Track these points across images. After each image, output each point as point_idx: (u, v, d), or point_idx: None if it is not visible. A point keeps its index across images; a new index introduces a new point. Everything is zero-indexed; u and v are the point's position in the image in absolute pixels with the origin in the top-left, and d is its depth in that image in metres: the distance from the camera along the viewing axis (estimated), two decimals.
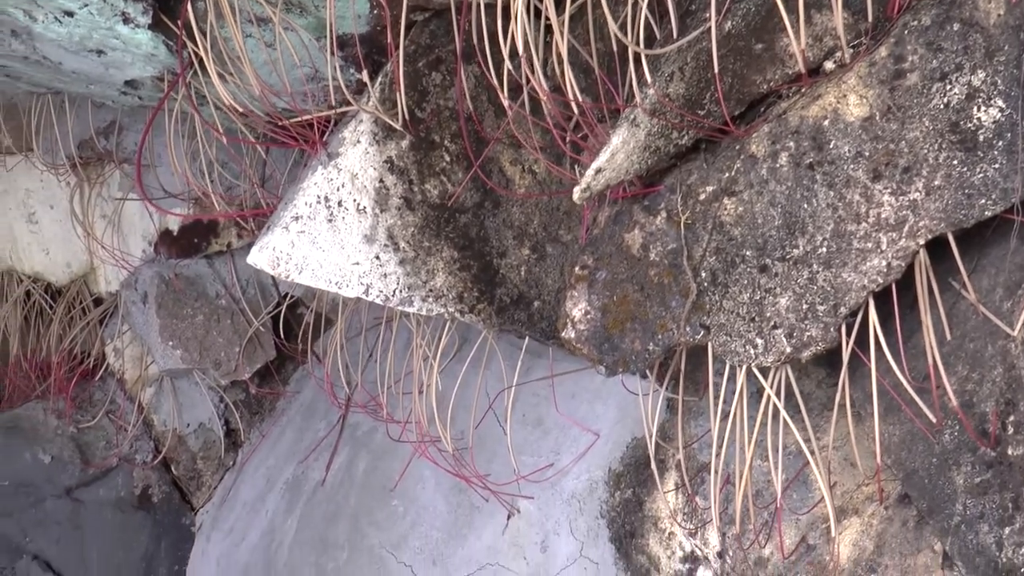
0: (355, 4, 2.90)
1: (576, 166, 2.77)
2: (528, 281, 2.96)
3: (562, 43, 2.39)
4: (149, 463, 4.81)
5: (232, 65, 2.99)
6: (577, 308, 2.54)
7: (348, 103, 2.89)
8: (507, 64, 2.56)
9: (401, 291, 2.88)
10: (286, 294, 4.75)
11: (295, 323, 4.80)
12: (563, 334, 2.56)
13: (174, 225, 4.68)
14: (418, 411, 3.44)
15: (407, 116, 2.87)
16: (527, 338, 3.08)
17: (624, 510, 2.99)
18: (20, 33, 3.07)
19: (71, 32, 2.99)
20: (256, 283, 4.78)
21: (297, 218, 2.85)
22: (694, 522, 2.72)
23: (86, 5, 2.85)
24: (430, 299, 2.90)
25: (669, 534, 2.82)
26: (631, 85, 2.47)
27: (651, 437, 2.75)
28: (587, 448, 3.18)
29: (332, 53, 2.89)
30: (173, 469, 4.86)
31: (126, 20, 2.92)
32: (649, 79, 2.30)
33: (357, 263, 2.86)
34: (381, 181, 2.88)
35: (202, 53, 2.89)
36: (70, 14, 2.90)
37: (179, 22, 2.93)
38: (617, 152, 2.34)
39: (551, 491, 3.21)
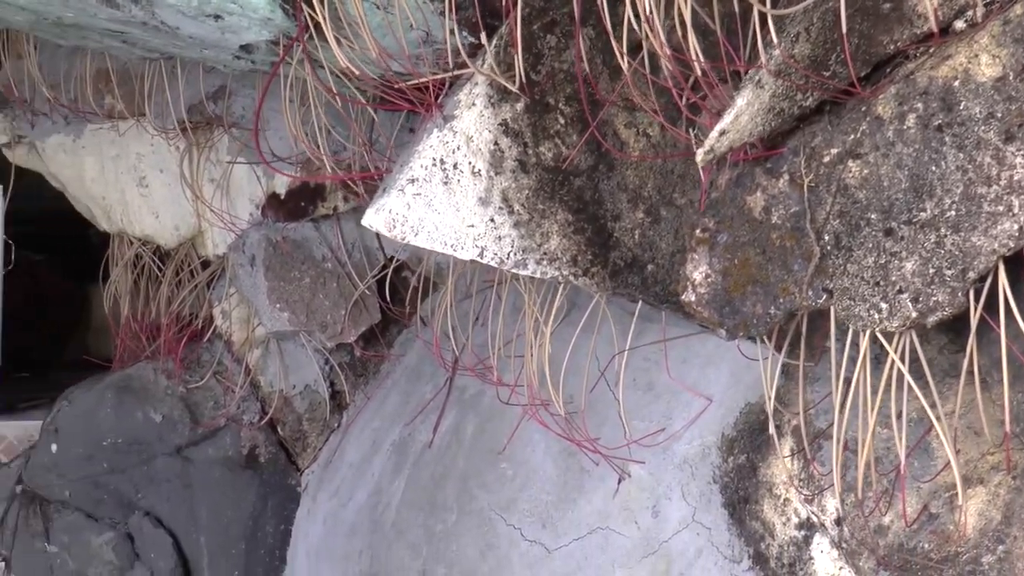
0: None
1: (692, 128, 2.75)
2: (642, 244, 2.94)
3: (685, 8, 2.37)
4: (256, 423, 4.88)
5: (349, 28, 3.00)
6: (698, 271, 2.52)
7: (464, 66, 2.89)
8: (630, 23, 2.54)
9: (515, 254, 2.88)
10: (391, 257, 4.78)
11: (400, 286, 4.83)
12: (683, 297, 2.54)
13: (281, 189, 4.73)
14: (529, 374, 3.44)
15: (523, 79, 2.86)
16: (640, 302, 3.07)
17: (738, 475, 2.97)
18: None
19: None
20: (362, 246, 4.81)
21: (413, 180, 2.86)
22: (811, 489, 2.70)
23: None
24: (544, 262, 2.90)
25: (784, 500, 2.81)
26: (752, 46, 2.45)
27: (770, 401, 2.73)
28: (699, 413, 3.17)
29: (452, 14, 2.89)
30: (279, 430, 4.92)
31: None
32: (775, 40, 2.27)
33: (472, 225, 2.86)
34: (496, 144, 2.88)
35: (319, 17, 2.90)
36: None
37: None
38: (742, 114, 2.31)
39: (662, 456, 3.20)
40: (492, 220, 2.87)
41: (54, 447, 4.86)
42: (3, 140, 5.37)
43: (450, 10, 2.91)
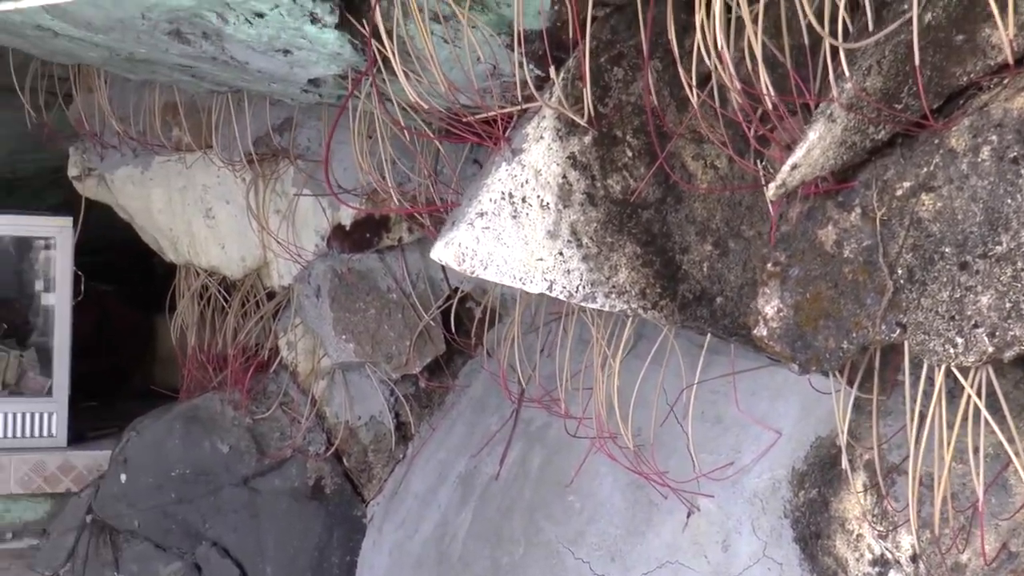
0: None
1: (760, 160, 2.73)
2: (711, 277, 2.93)
3: (756, 41, 2.36)
4: (322, 454, 4.90)
5: (417, 62, 3.02)
6: (770, 305, 2.50)
7: (532, 99, 2.90)
8: (699, 54, 2.53)
9: (584, 287, 2.88)
10: (456, 288, 4.79)
11: (465, 317, 4.83)
12: (755, 331, 2.53)
13: (347, 220, 4.76)
14: (597, 406, 3.43)
15: (591, 112, 2.86)
16: (708, 335, 3.05)
17: (809, 510, 2.94)
18: (211, 35, 3.15)
19: (260, 33, 3.06)
20: (426, 277, 4.83)
21: (482, 214, 2.87)
22: (885, 524, 2.67)
23: (276, 6, 2.90)
24: (613, 295, 2.89)
25: (857, 536, 2.77)
26: (822, 79, 2.43)
27: (844, 435, 2.71)
28: (769, 446, 3.14)
29: (520, 48, 2.90)
30: (345, 461, 4.94)
31: (314, 20, 2.97)
32: (847, 73, 2.26)
33: (541, 259, 2.86)
34: (564, 177, 2.88)
35: (388, 51, 2.92)
36: (260, 15, 2.96)
37: (366, 21, 2.96)
38: (813, 148, 2.30)
39: (732, 489, 3.18)
40: (561, 253, 2.87)
41: (123, 477, 4.91)
42: (74, 173, 5.46)
43: (518, 43, 2.92)
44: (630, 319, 3.22)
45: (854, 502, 2.78)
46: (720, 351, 3.26)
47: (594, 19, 2.91)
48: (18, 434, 5.55)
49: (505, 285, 2.97)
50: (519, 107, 2.99)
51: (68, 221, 5.65)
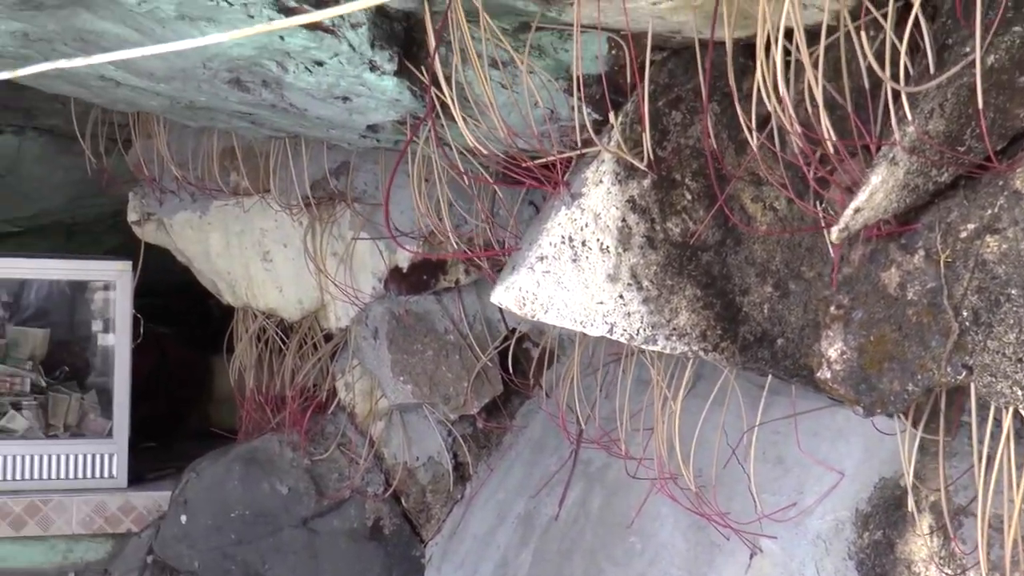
0: (598, 44, 2.92)
1: (819, 202, 2.73)
2: (771, 319, 2.93)
3: (816, 84, 2.36)
4: (380, 495, 4.91)
5: (475, 107, 3.04)
6: (833, 348, 2.50)
7: (590, 143, 2.91)
8: (758, 97, 2.54)
9: (645, 329, 2.89)
10: (513, 329, 4.79)
11: (522, 357, 4.84)
12: (819, 375, 2.52)
13: (404, 262, 4.79)
14: (658, 447, 3.43)
15: (650, 155, 2.87)
16: (769, 376, 3.04)
17: (874, 552, 2.92)
18: (271, 83, 3.19)
19: (320, 81, 3.09)
20: (483, 318, 4.84)
21: (542, 258, 2.88)
22: (952, 567, 2.65)
23: (336, 55, 2.94)
24: (674, 338, 2.90)
25: None
26: (882, 121, 2.43)
27: (909, 477, 2.69)
28: (832, 487, 3.12)
29: (578, 92, 2.92)
30: (403, 501, 4.95)
31: (373, 68, 3.00)
32: (909, 116, 2.26)
33: (601, 302, 2.87)
34: (623, 220, 2.89)
35: (446, 98, 2.94)
36: (320, 64, 2.99)
37: (424, 68, 2.99)
38: (876, 191, 2.30)
39: (795, 531, 3.16)
40: (621, 296, 2.88)
41: (183, 518, 4.95)
42: (133, 217, 5.52)
43: (576, 88, 2.94)
44: (690, 360, 3.22)
45: (920, 544, 2.76)
46: (781, 391, 3.25)
47: (651, 63, 2.93)
48: (79, 475, 5.60)
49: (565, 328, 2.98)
50: (578, 151, 3.01)
51: (127, 265, 5.71)
